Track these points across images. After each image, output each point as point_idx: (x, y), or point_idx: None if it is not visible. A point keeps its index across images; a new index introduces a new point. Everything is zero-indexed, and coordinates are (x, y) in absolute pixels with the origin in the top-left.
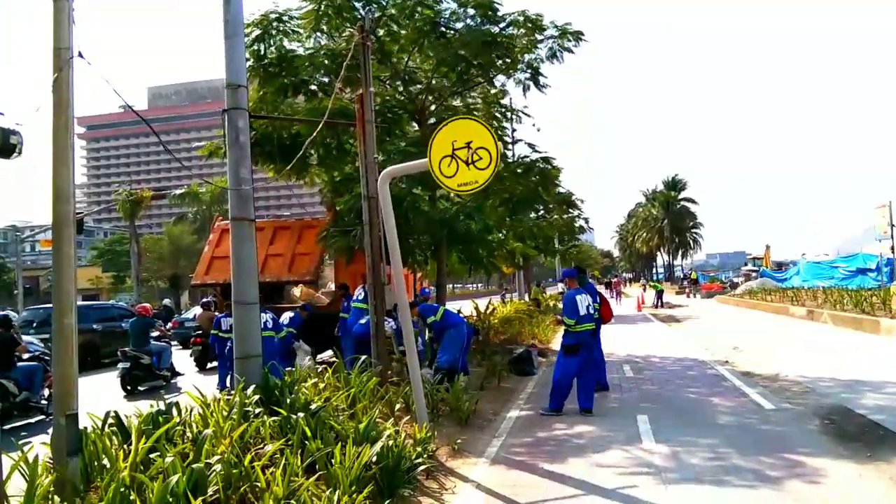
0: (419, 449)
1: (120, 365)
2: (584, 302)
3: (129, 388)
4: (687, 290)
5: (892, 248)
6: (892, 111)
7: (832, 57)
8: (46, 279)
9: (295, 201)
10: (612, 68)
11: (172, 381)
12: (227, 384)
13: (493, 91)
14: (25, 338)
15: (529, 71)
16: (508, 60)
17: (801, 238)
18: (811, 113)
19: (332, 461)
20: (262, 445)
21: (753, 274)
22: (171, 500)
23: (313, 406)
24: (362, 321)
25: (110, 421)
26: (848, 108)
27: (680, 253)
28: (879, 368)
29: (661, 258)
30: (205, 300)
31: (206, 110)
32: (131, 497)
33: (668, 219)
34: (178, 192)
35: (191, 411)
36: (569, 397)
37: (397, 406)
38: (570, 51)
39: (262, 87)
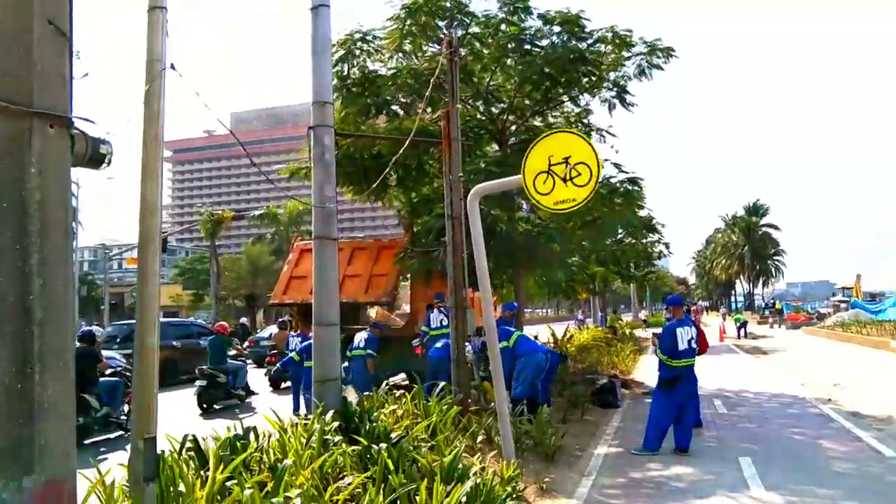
0: (508, 488)
1: (197, 383)
2: (685, 336)
3: (205, 406)
4: (771, 321)
5: None
6: None
7: None
8: (131, 295)
9: (369, 223)
10: (690, 86)
11: (247, 400)
12: (302, 406)
13: (576, 110)
14: (108, 353)
15: (616, 89)
16: (594, 78)
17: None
18: None
19: (416, 498)
20: (341, 476)
21: (843, 305)
22: None
23: (394, 436)
24: (438, 345)
25: (188, 444)
26: None
27: (760, 281)
28: None
29: (741, 286)
30: (282, 320)
31: (286, 135)
32: None
33: (748, 245)
34: (256, 213)
35: (268, 437)
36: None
37: (479, 438)
38: (659, 67)
39: (344, 107)
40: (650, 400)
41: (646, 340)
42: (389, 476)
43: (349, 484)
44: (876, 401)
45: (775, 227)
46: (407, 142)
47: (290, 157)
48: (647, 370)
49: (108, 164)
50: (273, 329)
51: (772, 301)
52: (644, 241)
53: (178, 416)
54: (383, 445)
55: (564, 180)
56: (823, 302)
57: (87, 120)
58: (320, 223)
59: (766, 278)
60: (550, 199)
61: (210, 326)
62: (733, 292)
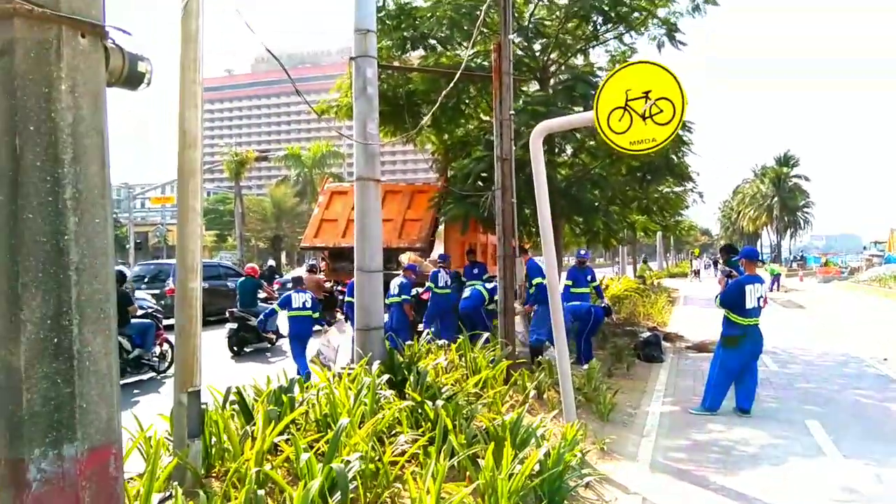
0: (577, 452)
1: (228, 325)
2: (755, 293)
3: (235, 349)
4: (801, 274)
5: None
6: None
7: None
8: (154, 235)
9: (399, 167)
10: (723, 31)
11: (277, 343)
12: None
13: (621, 48)
14: (138, 293)
15: (665, 26)
16: (645, 14)
17: None
18: None
19: (480, 462)
20: (395, 436)
21: (876, 259)
22: None
23: (445, 391)
24: (466, 294)
25: (231, 398)
26: None
27: (788, 233)
28: None
29: (768, 237)
30: (310, 263)
31: (306, 75)
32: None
33: (778, 196)
34: (280, 153)
35: (317, 390)
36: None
37: (530, 394)
38: (714, 3)
39: (379, 40)
40: (694, 354)
41: (675, 291)
42: (449, 436)
43: (406, 444)
44: None
45: (805, 178)
46: (457, 75)
47: (312, 100)
48: (682, 322)
49: (148, 84)
50: (300, 271)
51: (800, 254)
52: (680, 189)
53: (208, 359)
54: (440, 402)
55: (644, 118)
56: (849, 256)
57: (124, 31)
58: (363, 162)
59: (794, 230)
60: (626, 139)
61: (237, 268)
62: (759, 243)
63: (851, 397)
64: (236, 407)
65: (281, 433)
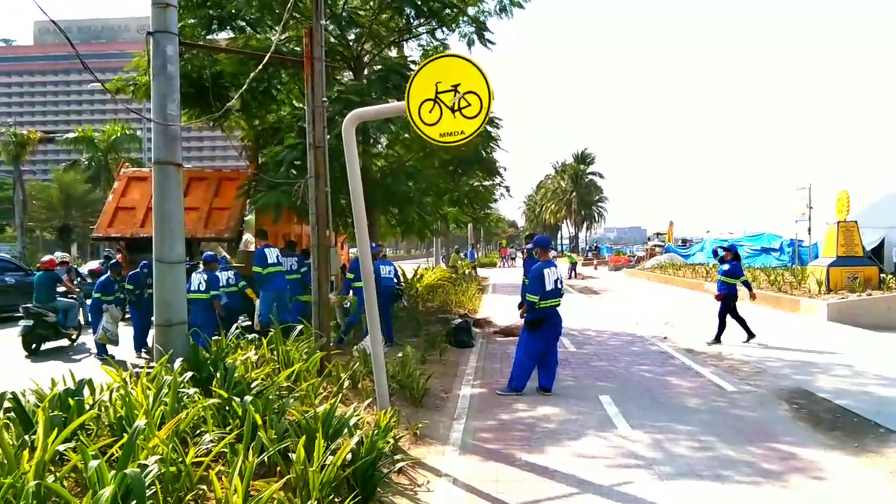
0: (389, 439)
1: (21, 323)
2: (551, 276)
3: (32, 347)
4: (595, 263)
5: (809, 230)
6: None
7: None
8: None
9: (207, 153)
10: (533, 31)
11: (77, 340)
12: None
13: (433, 43)
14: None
15: (475, 24)
16: (456, 11)
17: (701, 216)
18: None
19: (292, 457)
20: (199, 434)
21: (658, 249)
22: None
23: (254, 386)
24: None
25: (6, 404)
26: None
27: (585, 225)
28: (815, 347)
29: (567, 230)
30: (106, 254)
31: (102, 51)
32: None
33: (576, 191)
34: (70, 135)
35: (110, 391)
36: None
37: (345, 384)
38: (520, 6)
39: (181, 18)
40: (501, 338)
41: (486, 279)
42: (258, 432)
43: (212, 443)
44: (704, 338)
45: (600, 175)
46: (266, 57)
47: (105, 78)
48: (491, 308)
49: None
50: (93, 265)
51: (595, 244)
52: (489, 183)
53: None
54: (248, 398)
55: (453, 110)
56: (636, 246)
57: None
58: (162, 145)
59: (589, 223)
60: (436, 130)
61: (17, 261)
62: (560, 235)
63: (638, 373)
64: (12, 415)
65: (68, 440)
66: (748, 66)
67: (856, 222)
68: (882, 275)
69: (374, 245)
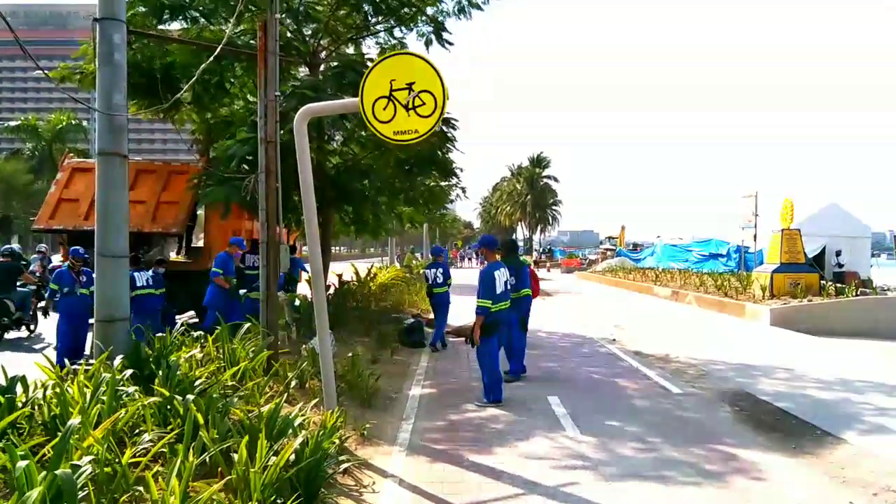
0: (335, 440)
1: None
2: (501, 278)
3: None
4: (548, 265)
5: (755, 237)
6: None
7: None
8: None
9: (158, 146)
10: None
11: (35, 331)
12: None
13: (391, 42)
14: None
15: (433, 24)
16: (414, 10)
17: (653, 221)
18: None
19: (234, 457)
20: (139, 435)
21: (609, 252)
22: None
23: (198, 384)
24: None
25: None
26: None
27: (539, 228)
28: (758, 351)
29: (522, 232)
30: (39, 248)
31: (50, 37)
32: None
33: (531, 194)
34: (11, 124)
35: (44, 389)
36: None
37: (292, 384)
38: (479, 7)
39: (131, 5)
40: (453, 338)
41: None
42: (200, 431)
43: (151, 443)
44: (652, 340)
45: (555, 179)
46: (217, 50)
47: (50, 66)
48: None
49: None
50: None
51: (548, 247)
52: (445, 183)
53: None
54: (190, 397)
55: (407, 108)
56: (588, 250)
57: None
58: (107, 135)
59: (544, 226)
60: (390, 128)
61: None
62: (514, 237)
63: (586, 374)
64: None
65: None
66: (702, 72)
67: (799, 230)
68: (822, 281)
69: (436, 247)
